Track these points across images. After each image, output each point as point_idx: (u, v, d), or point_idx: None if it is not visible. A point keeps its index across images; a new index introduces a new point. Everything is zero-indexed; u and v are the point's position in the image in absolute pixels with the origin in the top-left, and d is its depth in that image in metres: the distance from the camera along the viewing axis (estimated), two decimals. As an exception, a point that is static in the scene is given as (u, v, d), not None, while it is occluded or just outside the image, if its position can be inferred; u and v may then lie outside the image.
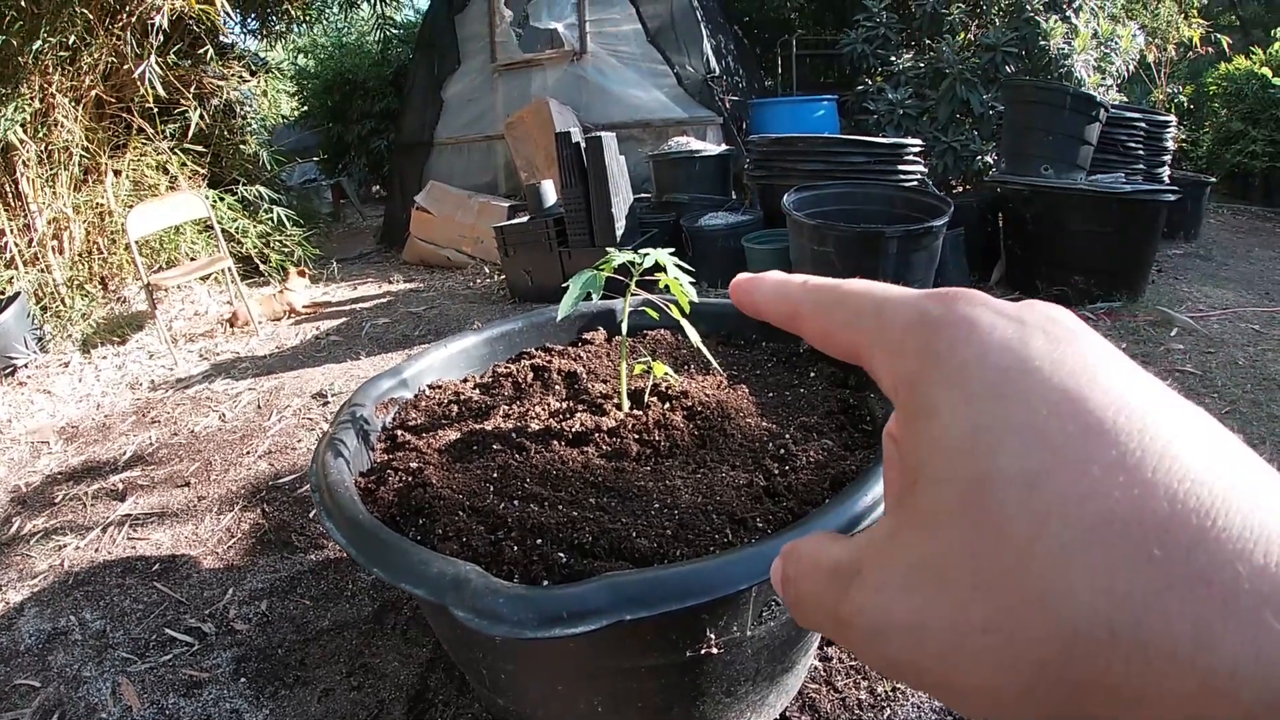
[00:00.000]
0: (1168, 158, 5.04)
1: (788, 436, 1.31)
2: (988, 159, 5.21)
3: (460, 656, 1.35)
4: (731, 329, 1.77)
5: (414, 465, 1.26)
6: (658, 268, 1.33)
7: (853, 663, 1.74)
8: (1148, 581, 0.16)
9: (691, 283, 1.33)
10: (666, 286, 1.35)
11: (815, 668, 1.72)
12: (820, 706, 1.63)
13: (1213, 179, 5.77)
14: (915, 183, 3.93)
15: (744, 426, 1.35)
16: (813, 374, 1.57)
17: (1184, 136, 7.37)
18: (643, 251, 1.30)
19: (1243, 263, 4.84)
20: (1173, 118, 5.19)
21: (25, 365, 4.17)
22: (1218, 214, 6.24)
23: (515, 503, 1.14)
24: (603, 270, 1.29)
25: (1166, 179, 4.90)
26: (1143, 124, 4.76)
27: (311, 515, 2.50)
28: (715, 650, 1.11)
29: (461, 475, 1.23)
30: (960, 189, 5.32)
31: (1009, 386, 0.19)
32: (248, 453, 2.98)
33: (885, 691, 1.66)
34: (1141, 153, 4.76)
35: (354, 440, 1.35)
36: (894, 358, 0.22)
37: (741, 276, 0.30)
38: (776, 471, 1.21)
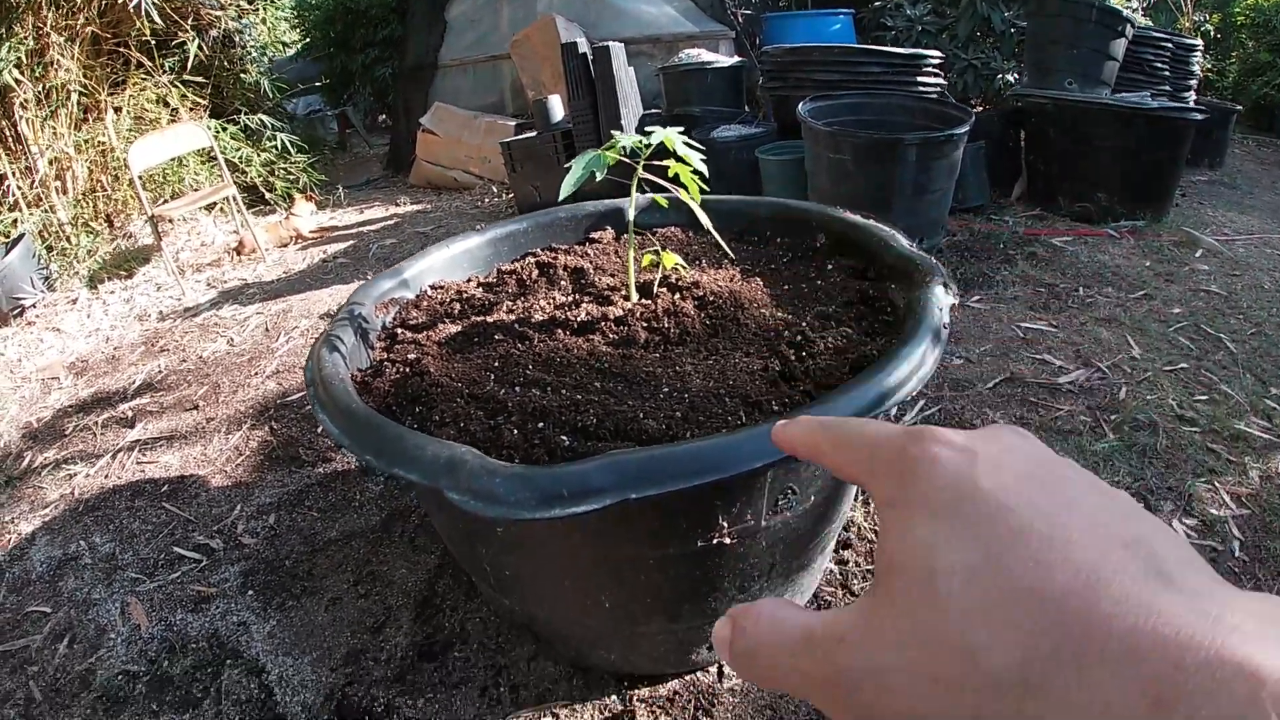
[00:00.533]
0: (1194, 83, 4.87)
1: (804, 324, 1.25)
2: (1009, 78, 5.03)
3: (464, 555, 1.31)
4: (744, 226, 1.69)
5: (411, 356, 1.20)
6: (666, 154, 1.25)
7: (869, 567, 1.70)
8: (1049, 641, 0.21)
9: (704, 176, 1.25)
10: (676, 176, 1.27)
11: (831, 571, 1.69)
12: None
13: (1239, 107, 5.56)
14: (935, 95, 3.77)
15: (758, 316, 1.28)
16: (830, 267, 1.49)
17: (1210, 65, 7.11)
18: (649, 129, 1.21)
19: (1268, 193, 4.68)
20: (1199, 43, 4.99)
21: (33, 305, 4.15)
22: (1243, 144, 6.04)
23: (516, 389, 1.09)
24: (608, 152, 1.21)
25: (1192, 103, 4.72)
26: (1169, 45, 4.57)
27: (320, 429, 2.47)
28: (728, 540, 1.06)
29: (461, 365, 1.17)
30: (981, 108, 5.14)
31: (957, 507, 0.25)
32: (255, 374, 2.95)
33: (903, 596, 1.62)
34: (1167, 74, 4.59)
35: (351, 338, 1.30)
36: (880, 485, 0.28)
37: (778, 427, 0.35)
38: (793, 357, 1.15)
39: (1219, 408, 2.15)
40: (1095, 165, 3.73)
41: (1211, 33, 7.22)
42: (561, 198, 1.20)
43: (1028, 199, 4.12)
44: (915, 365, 1.05)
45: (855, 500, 1.85)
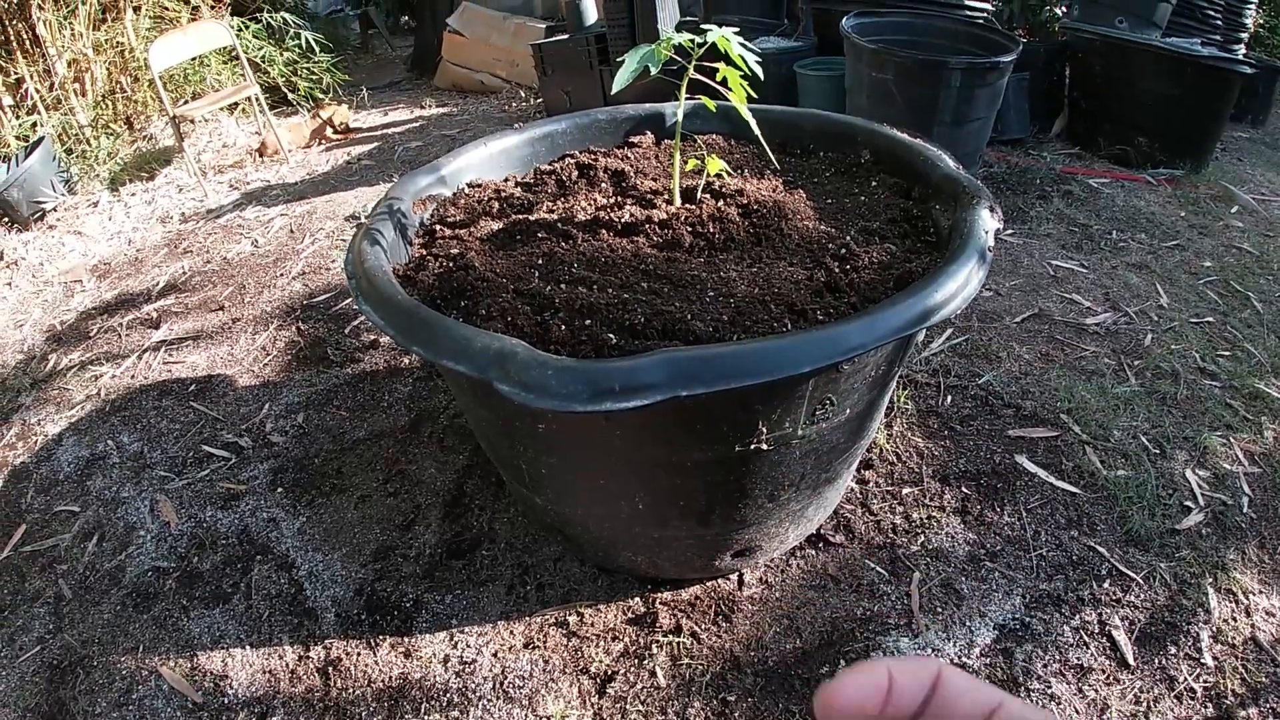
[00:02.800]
0: (1245, 35, 4.68)
1: (848, 238, 1.23)
2: (1057, 10, 4.85)
3: (499, 452, 1.33)
4: (787, 137, 1.65)
5: (455, 251, 1.20)
6: (716, 57, 1.22)
7: (889, 488, 1.72)
8: None
9: (758, 78, 1.22)
10: (725, 80, 1.24)
11: (852, 489, 1.71)
12: (855, 527, 1.63)
13: (1288, 66, 5.36)
14: (981, 20, 3.65)
15: (802, 228, 1.27)
16: (874, 183, 1.47)
17: (1262, 21, 6.85)
18: (704, 28, 1.18)
19: (1311, 158, 4.55)
20: (1254, -4, 4.79)
21: (54, 208, 4.13)
22: (1288, 105, 5.84)
23: (562, 286, 1.08)
24: (660, 48, 1.17)
25: (1242, 56, 4.55)
26: (1224, -8, 4.38)
27: (348, 330, 2.49)
28: (765, 446, 1.07)
29: (505, 261, 1.17)
30: (1025, 38, 4.98)
31: None
32: (281, 275, 2.95)
33: (920, 518, 1.64)
34: (1219, 23, 4.42)
35: (391, 233, 1.29)
36: None
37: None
38: (838, 269, 1.14)
39: (1241, 365, 2.13)
40: (1138, 108, 3.64)
41: (1267, -13, 6.94)
42: (615, 91, 1.17)
43: (1068, 136, 4.01)
44: (961, 284, 1.04)
45: (880, 421, 1.86)
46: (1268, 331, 2.30)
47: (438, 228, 1.35)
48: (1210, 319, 2.36)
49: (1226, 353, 2.19)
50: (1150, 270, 2.65)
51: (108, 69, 4.87)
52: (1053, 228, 2.96)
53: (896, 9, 3.45)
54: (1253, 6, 4.69)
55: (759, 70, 1.17)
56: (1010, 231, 2.92)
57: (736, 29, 1.21)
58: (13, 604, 1.72)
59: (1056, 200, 3.18)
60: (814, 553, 1.57)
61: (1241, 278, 2.62)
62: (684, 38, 1.21)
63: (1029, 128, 3.92)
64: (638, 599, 1.49)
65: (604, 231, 1.21)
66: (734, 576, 1.52)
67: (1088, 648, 1.38)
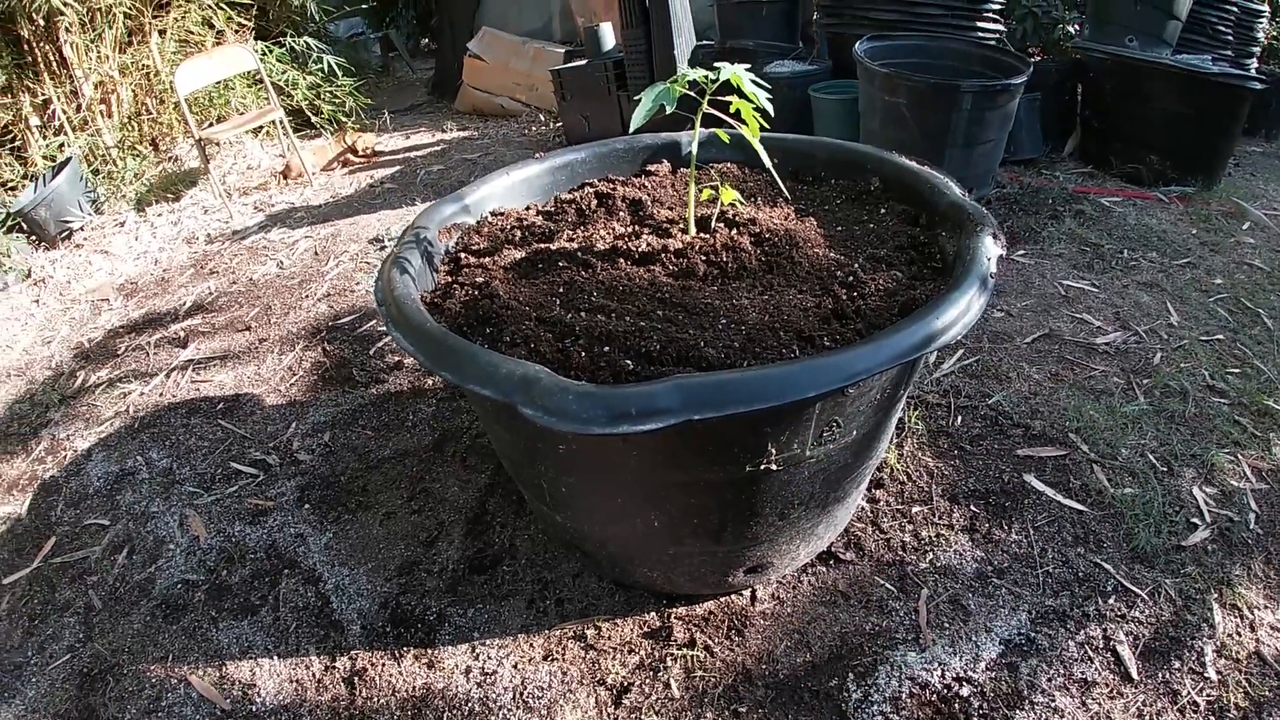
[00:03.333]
0: (1257, 49, 4.70)
1: (856, 265, 1.28)
2: (1070, 29, 4.89)
3: (521, 473, 1.39)
4: (799, 165, 1.71)
5: (480, 280, 1.26)
6: (729, 90, 1.27)
7: (899, 506, 1.76)
8: None
9: (769, 114, 1.28)
10: (737, 111, 1.30)
11: (862, 508, 1.75)
12: (865, 545, 1.67)
13: (1300, 78, 5.36)
14: (993, 41, 3.70)
15: (812, 255, 1.32)
16: (883, 210, 1.52)
17: (1275, 32, 6.84)
18: (716, 66, 1.24)
19: (1323, 171, 4.55)
20: (1266, 8, 4.80)
21: (81, 228, 4.23)
22: (1302, 118, 5.83)
23: (582, 314, 1.14)
24: (675, 85, 1.23)
25: (1254, 70, 4.57)
26: (1235, 8, 4.40)
27: (372, 352, 2.56)
28: (775, 467, 1.12)
29: (528, 289, 1.23)
30: (1038, 58, 5.02)
31: None
32: (306, 296, 3.03)
33: (929, 536, 1.68)
34: (1230, 39, 4.44)
35: (418, 260, 1.36)
36: None
37: None
38: (845, 296, 1.19)
39: (1250, 382, 2.16)
40: (1150, 126, 3.66)
41: (1280, -1, 6.94)
42: (631, 130, 1.23)
43: (1080, 155, 4.05)
44: (961, 310, 1.08)
45: (890, 441, 1.90)
46: (1277, 348, 2.33)
47: (463, 255, 1.41)
48: (1220, 336, 2.38)
49: (1236, 370, 2.22)
50: (1161, 288, 2.68)
51: (134, 91, 4.99)
52: (1064, 247, 2.99)
53: (909, 32, 3.50)
54: (1265, 20, 4.70)
55: (769, 106, 1.23)
56: (1022, 252, 2.95)
57: (748, 65, 1.27)
58: (43, 613, 1.78)
59: (1068, 220, 3.22)
60: (825, 569, 1.61)
61: (1253, 294, 2.64)
62: (698, 73, 1.27)
63: (1042, 148, 3.96)
64: (653, 613, 1.54)
65: (622, 260, 1.27)
66: (747, 592, 1.56)
67: (1092, 662, 1.42)
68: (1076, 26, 4.86)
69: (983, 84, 2.94)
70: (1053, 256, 2.92)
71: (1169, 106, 3.58)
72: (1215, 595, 1.54)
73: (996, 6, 3.74)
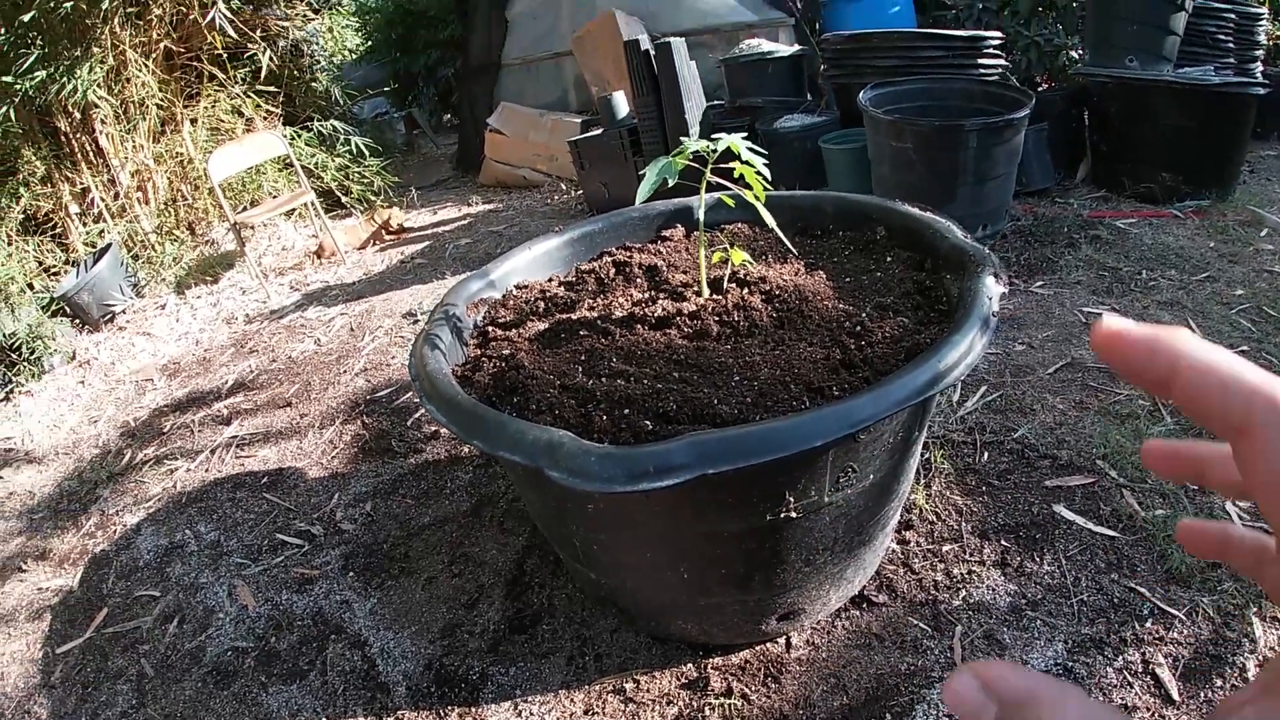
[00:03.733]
0: (1260, 53, 4.69)
1: (864, 314, 1.34)
2: (1073, 54, 4.95)
3: (554, 532, 1.44)
4: (807, 220, 1.78)
5: (506, 352, 1.33)
6: (732, 156, 1.35)
7: (929, 546, 1.78)
8: None
9: (767, 179, 1.35)
10: (741, 176, 1.37)
11: (893, 550, 1.77)
12: (898, 586, 1.69)
13: (1310, 76, 5.34)
14: (996, 77, 3.77)
15: (821, 308, 1.38)
16: (889, 258, 1.57)
17: (1278, 33, 6.84)
18: (715, 137, 1.32)
19: (1338, 167, 4.54)
20: (1265, 11, 4.82)
21: (123, 311, 4.42)
22: (1315, 115, 5.82)
23: (603, 379, 1.20)
24: (678, 158, 1.31)
25: (1259, 75, 4.58)
26: (1232, 15, 4.43)
27: (410, 423, 2.64)
28: (794, 514, 1.16)
29: (551, 359, 1.30)
30: (1046, 85, 5.08)
31: None
32: (344, 372, 3.14)
33: (961, 573, 1.70)
34: (1231, 46, 4.45)
35: (448, 336, 1.44)
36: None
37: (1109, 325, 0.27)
38: (853, 346, 1.24)
39: (1276, 391, 2.15)
40: (1158, 144, 3.68)
41: (1280, -2, 6.93)
42: (638, 203, 1.31)
43: (1092, 180, 4.07)
44: (964, 352, 1.13)
45: (917, 483, 1.93)
46: (1303, 353, 2.32)
47: (490, 329, 1.49)
48: (1245, 347, 2.38)
49: (1262, 379, 2.21)
50: (1182, 306, 2.68)
51: (169, 178, 5.22)
52: (1082, 274, 3.01)
53: (911, 76, 3.58)
54: (1265, 23, 4.71)
55: (766, 171, 1.30)
56: (1040, 282, 2.98)
57: (756, 121, 1.34)
58: (96, 681, 1.85)
59: (1085, 246, 3.24)
60: (858, 613, 1.63)
61: (1275, 302, 2.64)
62: (701, 145, 1.35)
63: (1053, 177, 3.99)
64: (690, 664, 1.57)
65: (639, 326, 1.34)
66: (781, 639, 1.59)
67: (1132, 687, 1.42)
68: (1080, 52, 4.91)
69: (986, 121, 3.00)
70: (1071, 285, 2.94)
71: (1175, 122, 3.60)
72: (1254, 609, 1.53)
73: (996, 42, 3.81)
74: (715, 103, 4.78)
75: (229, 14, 4.76)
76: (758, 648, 1.58)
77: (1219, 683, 1.41)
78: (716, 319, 1.33)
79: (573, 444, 1.00)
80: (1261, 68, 4.72)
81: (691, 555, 1.25)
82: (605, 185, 4.57)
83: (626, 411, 1.12)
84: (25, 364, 3.77)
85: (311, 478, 2.46)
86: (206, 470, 2.63)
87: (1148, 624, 1.53)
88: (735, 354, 1.24)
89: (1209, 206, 3.60)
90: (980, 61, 3.75)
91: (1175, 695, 1.39)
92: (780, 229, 1.45)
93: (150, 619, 2.01)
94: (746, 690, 1.50)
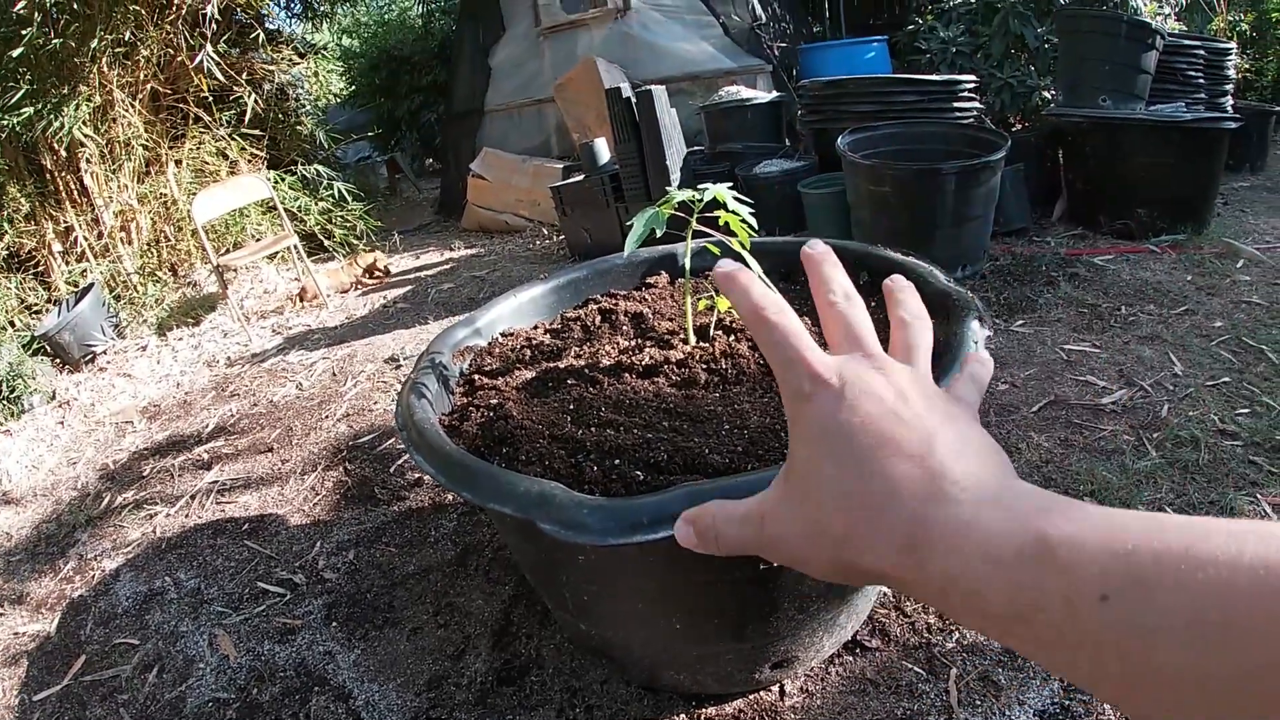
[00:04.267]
0: (1230, 87, 4.84)
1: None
2: (1045, 94, 5.06)
3: (544, 584, 1.42)
4: (791, 266, 1.79)
5: (494, 402, 1.32)
6: (717, 205, 1.36)
7: (922, 588, 1.76)
8: (861, 517, 0.36)
9: (753, 227, 1.36)
10: (726, 224, 1.38)
11: (884, 594, 1.76)
12: (890, 630, 1.67)
13: (1278, 108, 5.50)
14: (971, 120, 3.85)
15: (807, 354, 1.38)
16: (873, 304, 1.58)
17: (1247, 66, 7.02)
18: (701, 187, 1.33)
19: (1312, 197, 4.65)
20: (1234, 45, 4.96)
21: (104, 351, 4.38)
22: (1285, 146, 5.98)
23: (592, 429, 1.20)
24: (664, 208, 1.32)
25: (1230, 109, 4.71)
26: (1202, 51, 4.57)
27: (393, 470, 2.61)
28: (789, 563, 1.15)
29: (540, 408, 1.29)
30: (1020, 126, 5.19)
31: (823, 438, 0.38)
32: (326, 417, 3.11)
33: (955, 616, 1.68)
34: (1202, 81, 4.58)
35: (435, 384, 1.42)
36: (785, 403, 0.41)
37: (724, 269, 0.45)
38: (842, 392, 1.24)
39: (1260, 420, 2.18)
40: (1133, 181, 3.76)
41: (1248, 31, 7.14)
42: (626, 253, 1.31)
43: (1069, 219, 4.15)
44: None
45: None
46: (1284, 381, 2.35)
47: (476, 377, 1.48)
48: (1226, 379, 2.41)
49: (1245, 410, 2.24)
50: (1162, 340, 2.72)
51: (152, 219, 5.22)
52: (1062, 312, 3.05)
53: (888, 121, 3.65)
54: (1233, 56, 4.84)
55: (752, 220, 1.31)
56: (1021, 322, 3.01)
57: (736, 167, 1.36)
58: (74, 731, 1.80)
59: (1063, 284, 3.29)
60: (852, 659, 1.62)
61: (1254, 332, 2.68)
62: (686, 194, 1.36)
63: (1030, 216, 4.07)
64: (683, 715, 1.54)
65: (627, 374, 1.33)
66: (775, 688, 1.56)
67: (1129, 731, 1.41)
68: (1052, 92, 5.03)
69: (963, 164, 3.05)
70: (1051, 323, 2.98)
71: (1148, 159, 3.69)
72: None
73: (970, 86, 3.90)
74: (695, 149, 4.85)
75: (216, 56, 4.80)
76: (751, 696, 1.56)
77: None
78: (704, 367, 1.33)
79: (565, 496, 0.99)
80: (1231, 101, 4.85)
81: (685, 606, 1.24)
82: (587, 230, 4.61)
83: (617, 462, 1.11)
84: (4, 403, 3.72)
85: (293, 525, 2.42)
86: (186, 516, 2.58)
87: (1142, 663, 1.53)
88: (724, 402, 1.24)
89: (1185, 240, 3.67)
90: (955, 105, 3.83)
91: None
92: (764, 274, 1.46)
93: (129, 667, 1.96)
94: (741, 742, 1.48)
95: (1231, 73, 4.83)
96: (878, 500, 0.35)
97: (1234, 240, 3.56)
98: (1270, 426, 2.14)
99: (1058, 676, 1.52)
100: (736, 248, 1.35)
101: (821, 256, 0.47)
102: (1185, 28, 5.78)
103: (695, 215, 1.37)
